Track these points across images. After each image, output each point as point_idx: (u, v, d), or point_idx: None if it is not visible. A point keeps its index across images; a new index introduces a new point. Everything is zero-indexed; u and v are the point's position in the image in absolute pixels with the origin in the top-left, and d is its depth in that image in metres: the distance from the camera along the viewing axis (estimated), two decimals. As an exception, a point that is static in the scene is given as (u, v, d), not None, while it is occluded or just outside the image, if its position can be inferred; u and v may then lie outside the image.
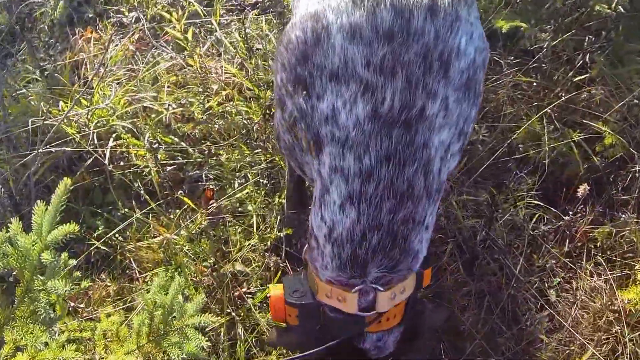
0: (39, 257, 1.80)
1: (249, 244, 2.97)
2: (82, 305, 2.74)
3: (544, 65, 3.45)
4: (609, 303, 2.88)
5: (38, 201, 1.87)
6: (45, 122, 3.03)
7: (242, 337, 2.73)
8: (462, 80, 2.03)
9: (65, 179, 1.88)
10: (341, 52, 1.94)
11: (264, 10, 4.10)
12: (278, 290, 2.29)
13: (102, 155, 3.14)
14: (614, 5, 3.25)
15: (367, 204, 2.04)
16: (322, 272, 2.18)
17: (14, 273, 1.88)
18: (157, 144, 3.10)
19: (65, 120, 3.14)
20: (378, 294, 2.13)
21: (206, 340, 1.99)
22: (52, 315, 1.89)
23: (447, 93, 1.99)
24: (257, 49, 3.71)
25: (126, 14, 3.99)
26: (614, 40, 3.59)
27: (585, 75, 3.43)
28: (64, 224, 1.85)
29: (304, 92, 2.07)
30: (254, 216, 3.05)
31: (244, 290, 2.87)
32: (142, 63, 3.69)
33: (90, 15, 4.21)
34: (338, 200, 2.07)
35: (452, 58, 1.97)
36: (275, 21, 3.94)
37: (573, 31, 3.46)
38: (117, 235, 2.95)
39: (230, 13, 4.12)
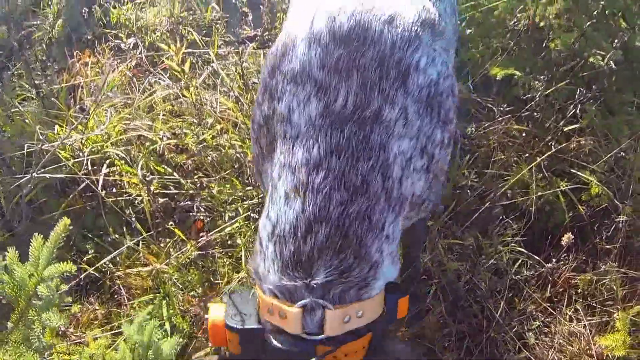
0: (35, 288, 1.95)
1: (237, 277, 3.12)
2: (71, 330, 2.87)
3: (536, 113, 3.63)
4: (587, 348, 3.02)
5: (35, 234, 2.04)
6: (42, 148, 3.19)
7: (228, 367, 2.86)
8: (422, 95, 2.10)
9: (64, 218, 2.06)
10: (301, 57, 2.06)
11: (262, 44, 4.29)
12: (218, 312, 2.11)
13: (96, 182, 3.29)
14: (606, 59, 3.43)
15: (313, 193, 1.98)
16: (264, 281, 2.06)
17: (6, 297, 2.03)
18: (150, 176, 3.24)
19: (60, 145, 3.30)
20: (326, 313, 1.96)
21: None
22: (45, 344, 2.04)
23: (407, 103, 2.06)
24: (254, 83, 3.88)
25: (124, 40, 4.17)
26: (607, 91, 3.73)
27: (576, 126, 3.59)
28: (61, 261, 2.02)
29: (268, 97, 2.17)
30: (243, 250, 3.18)
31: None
32: (139, 90, 3.86)
33: (88, 37, 4.40)
34: (284, 193, 2.03)
35: (410, 70, 2.08)
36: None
37: (567, 81, 3.61)
38: (107, 262, 3.12)
39: (229, 45, 4.32)
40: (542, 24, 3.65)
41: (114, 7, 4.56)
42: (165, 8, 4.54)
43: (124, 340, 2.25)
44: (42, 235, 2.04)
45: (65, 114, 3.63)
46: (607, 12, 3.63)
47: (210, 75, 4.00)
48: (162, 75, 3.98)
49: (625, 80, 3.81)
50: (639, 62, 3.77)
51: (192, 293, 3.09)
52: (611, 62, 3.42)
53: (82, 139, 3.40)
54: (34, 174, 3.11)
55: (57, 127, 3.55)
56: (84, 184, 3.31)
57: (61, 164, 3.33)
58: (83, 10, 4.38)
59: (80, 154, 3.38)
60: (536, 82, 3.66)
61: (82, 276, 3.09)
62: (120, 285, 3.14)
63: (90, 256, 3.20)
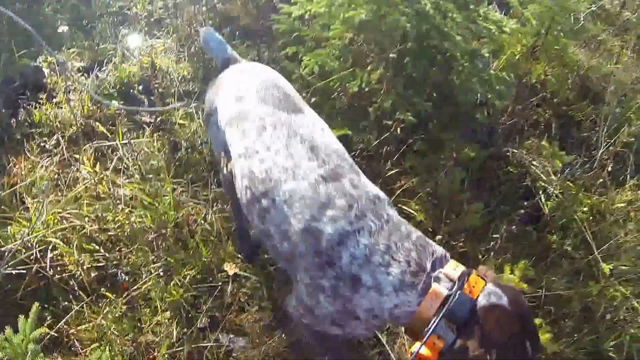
0: (27, 348, 3.43)
1: (155, 320, 4.48)
2: (45, 380, 4.29)
3: (363, 164, 4.95)
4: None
5: (21, 316, 3.48)
6: (3, 249, 4.53)
7: (158, 391, 4.21)
8: None
9: (35, 304, 3.51)
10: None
11: (157, 128, 5.73)
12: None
13: (44, 265, 4.64)
14: (406, 116, 4.73)
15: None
16: (409, 301, 2.79)
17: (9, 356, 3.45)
18: (82, 261, 4.68)
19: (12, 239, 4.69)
20: (443, 268, 2.79)
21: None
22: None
23: None
24: (152, 164, 5.33)
25: (47, 141, 5.53)
26: (432, 131, 5.00)
27: (399, 169, 4.96)
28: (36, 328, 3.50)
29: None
30: (157, 300, 4.54)
31: (155, 354, 4.37)
32: (65, 183, 5.14)
33: (18, 137, 5.59)
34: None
35: None
36: (165, 137, 5.62)
37: (391, 131, 4.88)
38: (62, 324, 4.45)
39: (130, 132, 5.72)
40: (367, 89, 4.89)
41: (35, 108, 5.80)
42: (78, 104, 5.84)
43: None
44: (23, 316, 3.46)
45: (12, 214, 4.90)
46: (414, 75, 4.90)
47: (119, 160, 5.35)
48: (80, 169, 5.30)
49: (449, 118, 5.08)
50: (455, 106, 5.08)
51: (126, 337, 4.38)
52: (412, 117, 4.72)
53: (29, 233, 4.66)
54: (3, 270, 4.43)
55: (9, 228, 4.81)
56: (34, 270, 4.61)
57: (17, 259, 4.57)
58: (11, 120, 5.64)
59: (29, 244, 4.68)
60: (368, 135, 4.94)
61: (45, 338, 4.33)
62: (74, 340, 4.39)
63: (49, 322, 4.38)
